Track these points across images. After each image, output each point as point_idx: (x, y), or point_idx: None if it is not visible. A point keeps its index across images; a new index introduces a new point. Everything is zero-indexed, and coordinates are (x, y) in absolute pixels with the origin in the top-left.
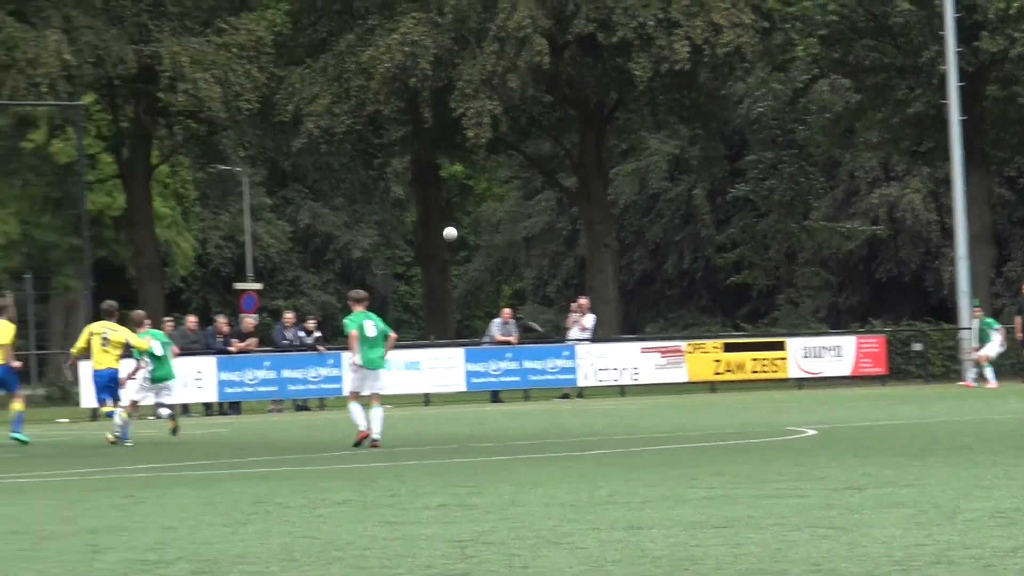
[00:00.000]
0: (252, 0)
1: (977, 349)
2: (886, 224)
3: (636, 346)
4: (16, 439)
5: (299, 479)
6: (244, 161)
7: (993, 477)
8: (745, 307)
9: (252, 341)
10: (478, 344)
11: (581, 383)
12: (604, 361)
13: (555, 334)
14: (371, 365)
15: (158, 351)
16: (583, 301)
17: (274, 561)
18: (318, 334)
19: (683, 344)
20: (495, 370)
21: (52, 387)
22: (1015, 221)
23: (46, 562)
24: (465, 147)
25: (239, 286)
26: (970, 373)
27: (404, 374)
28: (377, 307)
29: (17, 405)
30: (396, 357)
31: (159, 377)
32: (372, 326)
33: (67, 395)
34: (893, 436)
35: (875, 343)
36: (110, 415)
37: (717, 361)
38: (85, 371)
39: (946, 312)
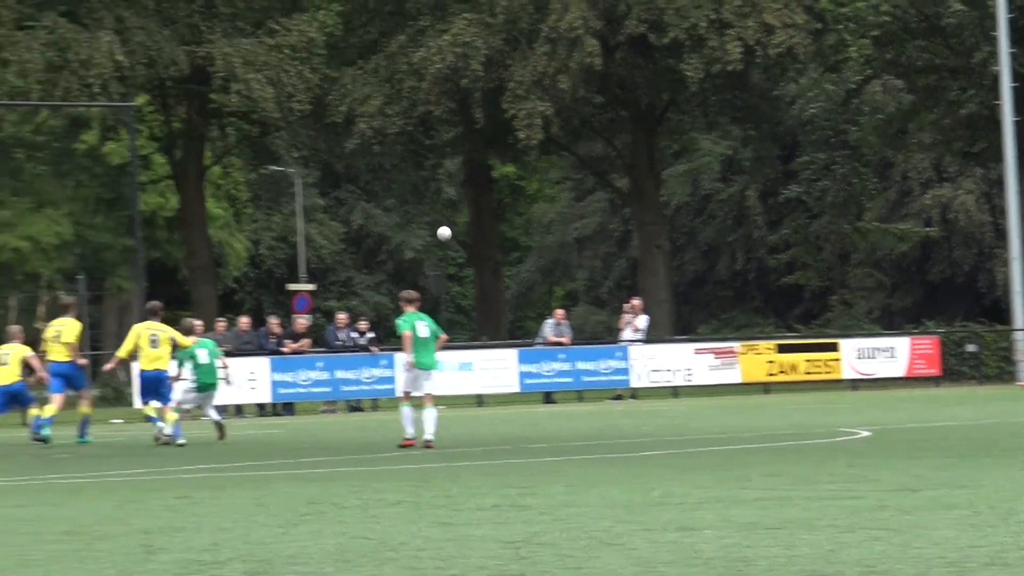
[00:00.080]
0: (304, 1)
1: None
2: (939, 225)
3: (689, 347)
4: (83, 442)
5: (352, 480)
6: (297, 162)
7: None
8: (798, 308)
9: (305, 342)
10: (531, 345)
11: (634, 384)
12: (657, 362)
13: (607, 335)
14: (423, 366)
15: (203, 359)
16: (636, 302)
17: (328, 562)
18: (371, 335)
19: (736, 345)
20: (548, 371)
21: (106, 388)
22: None
23: (99, 562)
24: (517, 148)
25: (292, 287)
26: None
27: (457, 375)
28: (429, 308)
29: (85, 408)
30: (449, 358)
31: (204, 385)
32: (424, 327)
33: (120, 396)
34: (947, 437)
35: (929, 344)
36: (151, 419)
37: (770, 362)
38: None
39: (1000, 313)
